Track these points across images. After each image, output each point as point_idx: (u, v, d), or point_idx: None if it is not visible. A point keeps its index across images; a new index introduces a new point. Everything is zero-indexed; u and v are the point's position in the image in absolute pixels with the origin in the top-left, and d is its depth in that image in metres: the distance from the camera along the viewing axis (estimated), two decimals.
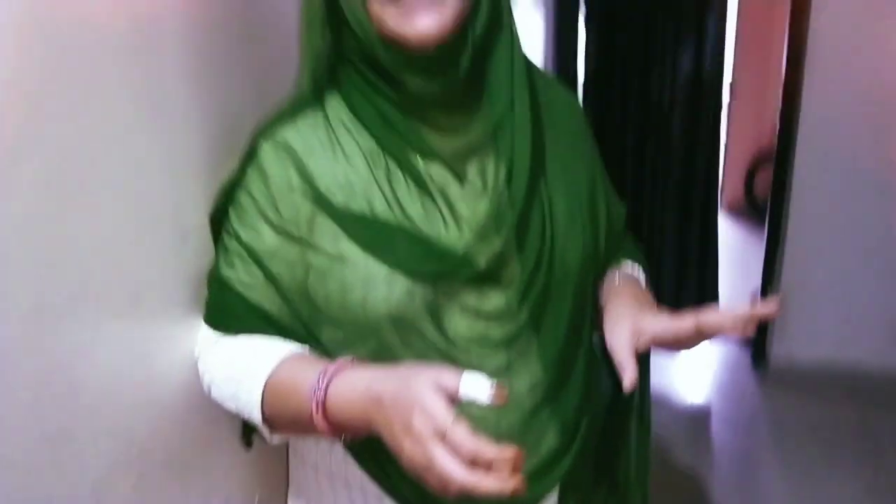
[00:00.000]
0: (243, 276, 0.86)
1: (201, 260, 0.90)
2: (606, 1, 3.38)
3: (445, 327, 0.84)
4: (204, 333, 0.90)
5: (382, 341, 0.84)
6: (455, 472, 0.63)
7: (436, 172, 0.84)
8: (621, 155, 3.48)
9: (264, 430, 0.84)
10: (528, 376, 0.87)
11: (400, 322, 0.82)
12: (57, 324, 0.67)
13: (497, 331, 0.85)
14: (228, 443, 0.97)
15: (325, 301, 0.84)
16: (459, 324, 0.84)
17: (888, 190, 2.93)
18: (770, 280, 3.16)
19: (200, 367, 0.89)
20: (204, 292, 0.90)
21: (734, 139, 5.56)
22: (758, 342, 3.25)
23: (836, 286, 3.05)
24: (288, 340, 0.86)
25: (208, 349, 0.89)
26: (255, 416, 0.82)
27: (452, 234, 0.83)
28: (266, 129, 0.87)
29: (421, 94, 0.81)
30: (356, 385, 0.74)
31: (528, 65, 0.89)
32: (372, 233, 0.82)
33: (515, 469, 0.63)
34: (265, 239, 0.85)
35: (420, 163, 0.84)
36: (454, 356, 0.84)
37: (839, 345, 3.09)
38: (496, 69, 0.84)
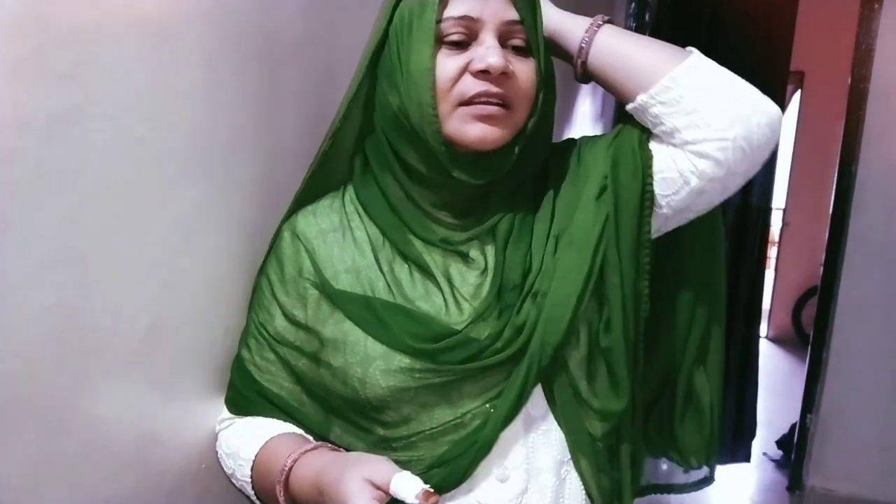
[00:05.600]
0: (256, 358, 0.90)
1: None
2: None
3: (453, 404, 0.83)
4: (224, 412, 0.93)
5: (375, 430, 0.85)
6: None
7: (436, 254, 0.86)
8: None
9: None
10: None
11: (401, 400, 0.82)
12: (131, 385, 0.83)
13: (506, 406, 0.83)
14: None
15: (330, 384, 0.86)
16: (466, 400, 0.83)
17: None
18: (809, 410, 3.16)
19: (217, 442, 0.93)
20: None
21: (784, 269, 5.62)
22: (795, 468, 3.22)
23: (876, 422, 3.03)
24: (293, 425, 0.90)
25: (224, 427, 0.93)
26: (250, 493, 0.88)
27: (453, 313, 0.84)
28: (290, 218, 0.92)
29: (463, 184, 0.84)
30: (308, 473, 0.79)
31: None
32: (370, 313, 0.83)
33: None
34: (276, 322, 0.89)
35: (421, 247, 0.86)
36: (462, 432, 0.83)
37: (875, 483, 3.04)
38: (521, 174, 0.88)
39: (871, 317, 3.00)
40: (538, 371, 0.82)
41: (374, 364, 0.82)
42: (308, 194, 0.94)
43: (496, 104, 0.80)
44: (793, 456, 3.26)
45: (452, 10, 0.79)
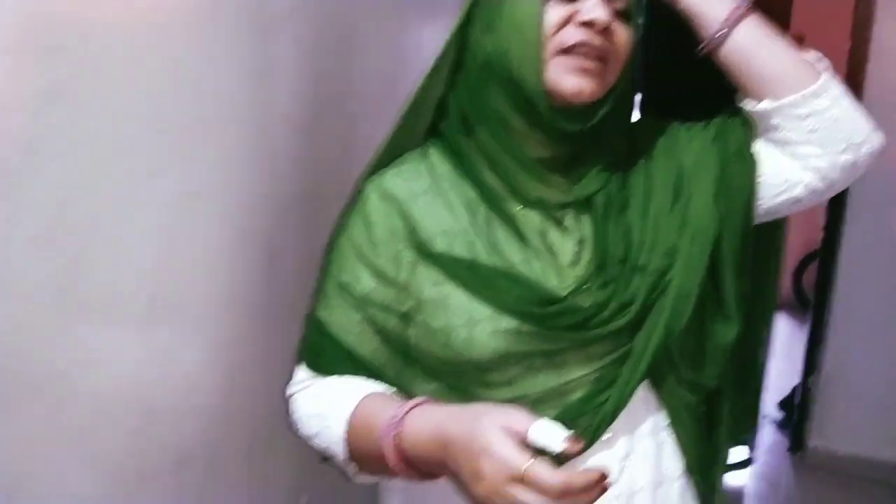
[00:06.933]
0: (340, 319, 0.88)
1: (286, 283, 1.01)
2: (662, 93, 3.48)
3: (557, 370, 0.83)
4: (299, 374, 0.91)
5: (475, 391, 0.84)
6: None
7: (533, 218, 0.86)
8: None
9: (349, 469, 0.84)
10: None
11: (507, 363, 0.82)
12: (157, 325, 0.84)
13: (608, 372, 0.83)
14: (289, 441, 1.08)
15: (427, 344, 0.85)
16: (571, 368, 0.83)
17: None
18: (811, 372, 3.18)
19: (292, 405, 0.90)
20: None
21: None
22: (796, 429, 3.24)
23: (878, 382, 3.05)
24: (379, 383, 0.87)
25: (301, 389, 0.90)
26: (339, 453, 0.84)
27: (553, 280, 0.84)
28: (372, 177, 0.90)
29: (552, 137, 0.84)
30: (425, 426, 0.74)
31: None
32: (474, 276, 0.83)
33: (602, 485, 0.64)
34: (363, 282, 0.87)
35: (518, 211, 0.86)
36: (565, 400, 0.83)
37: (878, 443, 3.06)
38: (607, 140, 0.88)
39: (873, 279, 3.01)
40: (658, 357, 0.84)
41: (480, 325, 0.81)
42: (396, 142, 0.92)
43: (594, 58, 0.81)
44: (794, 417, 3.28)
45: None
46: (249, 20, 0.91)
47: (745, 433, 1.07)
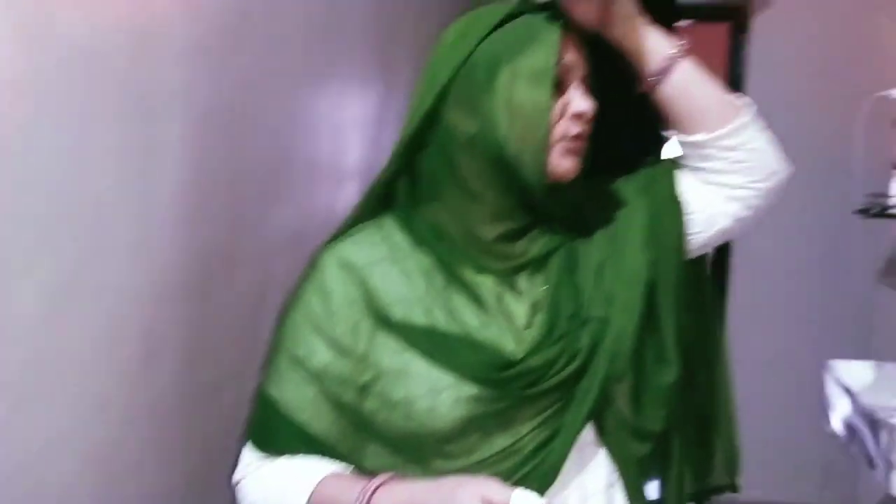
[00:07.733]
0: (293, 396, 0.87)
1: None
2: None
3: (509, 430, 0.85)
4: (246, 457, 0.90)
5: (433, 462, 0.85)
6: None
7: (489, 283, 0.89)
8: None
9: None
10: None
11: (467, 430, 0.83)
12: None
13: (555, 422, 0.86)
14: None
15: (386, 417, 0.85)
16: (523, 424, 0.85)
17: (825, 324, 3.13)
18: None
19: (239, 492, 0.89)
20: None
21: None
22: None
23: (769, 426, 3.14)
24: (331, 460, 0.87)
25: (250, 472, 0.89)
26: None
27: (511, 343, 0.86)
28: (328, 247, 0.91)
29: (521, 212, 0.88)
30: (397, 500, 0.77)
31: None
32: (435, 343, 0.84)
33: None
34: (319, 355, 0.87)
35: (473, 276, 0.89)
36: (515, 459, 0.85)
37: (773, 486, 3.14)
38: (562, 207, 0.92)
39: (761, 320, 3.14)
40: (599, 402, 0.86)
41: (444, 394, 0.82)
42: (358, 215, 0.94)
43: (581, 141, 0.88)
44: None
45: (561, 56, 0.86)
46: (134, 100, 0.87)
47: (705, 480, 1.06)
